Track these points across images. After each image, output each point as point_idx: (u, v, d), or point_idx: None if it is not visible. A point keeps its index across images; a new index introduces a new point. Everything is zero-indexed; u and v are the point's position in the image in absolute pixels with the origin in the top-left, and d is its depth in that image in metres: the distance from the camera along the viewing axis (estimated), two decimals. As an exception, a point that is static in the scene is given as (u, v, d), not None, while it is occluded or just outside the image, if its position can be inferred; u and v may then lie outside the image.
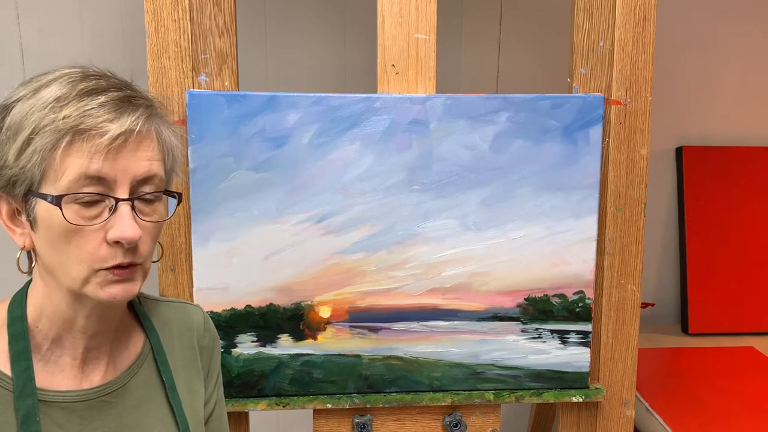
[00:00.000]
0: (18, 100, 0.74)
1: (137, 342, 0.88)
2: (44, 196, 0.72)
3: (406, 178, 1.19)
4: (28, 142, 0.71)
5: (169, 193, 0.80)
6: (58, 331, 0.79)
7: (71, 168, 0.71)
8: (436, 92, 1.19)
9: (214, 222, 1.17)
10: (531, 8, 1.83)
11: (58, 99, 0.72)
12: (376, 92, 1.19)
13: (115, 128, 0.72)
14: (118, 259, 0.74)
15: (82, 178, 0.71)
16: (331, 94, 1.16)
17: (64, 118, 0.71)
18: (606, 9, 1.22)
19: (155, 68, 1.15)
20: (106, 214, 0.73)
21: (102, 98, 0.73)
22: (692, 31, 1.92)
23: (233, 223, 1.17)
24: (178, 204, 0.82)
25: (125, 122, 0.72)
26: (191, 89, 1.15)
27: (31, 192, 0.73)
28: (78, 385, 0.81)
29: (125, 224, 0.73)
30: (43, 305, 0.79)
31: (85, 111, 0.71)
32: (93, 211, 0.73)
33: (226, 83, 1.18)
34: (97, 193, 0.72)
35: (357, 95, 1.16)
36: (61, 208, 0.71)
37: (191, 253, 1.18)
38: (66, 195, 0.71)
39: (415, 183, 1.19)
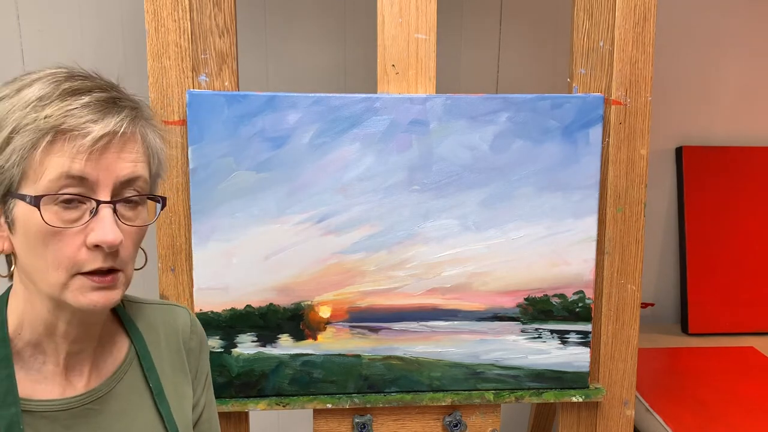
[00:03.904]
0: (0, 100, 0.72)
1: (121, 347, 0.85)
2: (23, 197, 0.70)
3: (406, 178, 1.19)
4: (7, 141, 0.69)
5: (153, 197, 0.78)
6: (40, 338, 0.77)
7: (52, 168, 0.69)
8: (436, 92, 1.19)
9: (214, 222, 1.17)
10: (531, 8, 1.83)
11: (40, 98, 0.70)
12: (376, 92, 1.19)
13: (98, 129, 0.69)
14: (98, 263, 0.71)
15: (62, 177, 0.69)
16: (331, 94, 1.16)
17: (45, 117, 0.69)
18: (606, 9, 1.23)
19: (155, 68, 1.15)
20: (86, 217, 0.71)
21: (86, 98, 0.71)
22: (692, 31, 1.92)
23: (233, 223, 1.17)
24: (162, 208, 0.79)
25: (109, 123, 0.70)
26: (191, 89, 1.15)
27: (9, 193, 0.71)
28: (61, 393, 0.78)
29: (106, 228, 0.70)
30: (24, 311, 0.76)
31: (67, 111, 0.69)
32: (73, 213, 0.70)
33: (226, 83, 1.18)
34: (77, 194, 0.70)
35: (357, 95, 1.16)
36: (39, 209, 0.69)
37: (191, 253, 1.18)
38: (45, 195, 0.69)
39: (415, 183, 1.19)
